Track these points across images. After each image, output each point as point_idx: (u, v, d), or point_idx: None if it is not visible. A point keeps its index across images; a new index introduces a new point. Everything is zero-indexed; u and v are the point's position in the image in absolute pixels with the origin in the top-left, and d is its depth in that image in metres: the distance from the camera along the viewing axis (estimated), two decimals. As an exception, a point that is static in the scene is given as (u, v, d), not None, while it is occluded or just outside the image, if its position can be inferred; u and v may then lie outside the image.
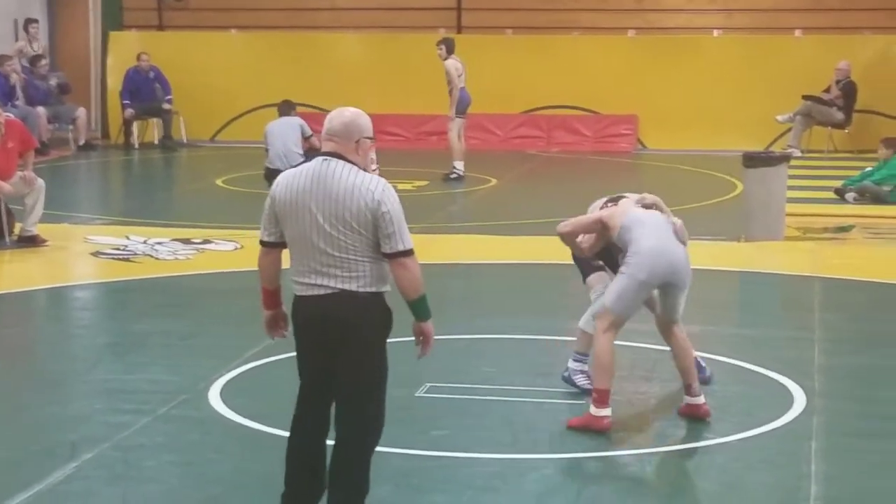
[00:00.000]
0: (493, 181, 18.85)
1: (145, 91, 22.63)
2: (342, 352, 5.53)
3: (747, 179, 14.18)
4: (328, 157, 5.54)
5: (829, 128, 22.05)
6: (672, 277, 7.54)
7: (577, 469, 6.79)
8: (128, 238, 13.60)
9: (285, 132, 16.72)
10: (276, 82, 23.01)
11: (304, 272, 5.53)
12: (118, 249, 13.07)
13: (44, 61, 22.03)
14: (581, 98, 23.27)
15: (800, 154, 20.96)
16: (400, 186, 18.03)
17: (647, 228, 7.59)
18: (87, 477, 6.64)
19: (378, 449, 6.65)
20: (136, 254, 12.88)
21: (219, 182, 18.05)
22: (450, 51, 18.96)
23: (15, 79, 20.73)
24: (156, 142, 23.05)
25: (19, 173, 13.25)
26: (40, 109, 21.00)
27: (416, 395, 8.00)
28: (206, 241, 13.48)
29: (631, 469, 6.86)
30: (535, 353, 9.26)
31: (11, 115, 14.62)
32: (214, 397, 7.93)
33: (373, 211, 5.43)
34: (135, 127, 22.93)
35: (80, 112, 22.30)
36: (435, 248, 13.35)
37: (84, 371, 8.71)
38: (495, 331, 9.70)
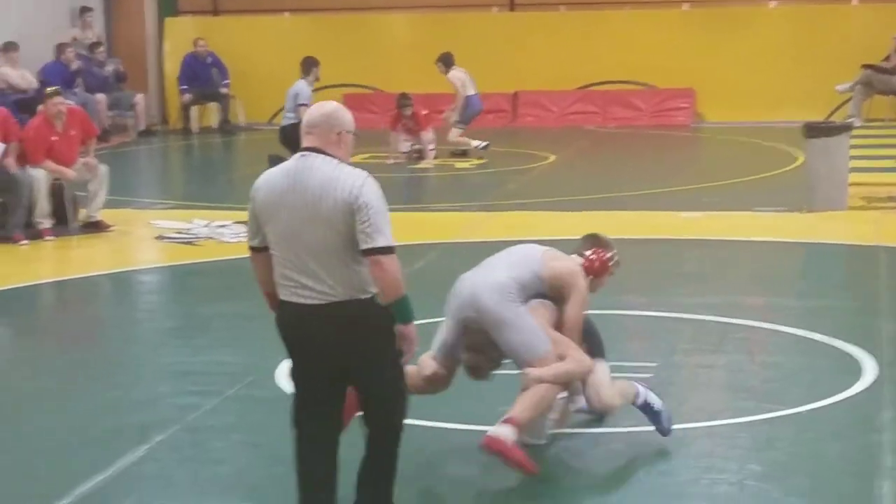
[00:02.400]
0: (551, 158, 18.79)
1: (203, 76, 22.75)
2: (350, 363, 5.27)
3: (809, 150, 14.05)
4: (306, 153, 5.25)
5: (890, 96, 21.79)
6: (467, 311, 6.36)
7: (646, 442, 6.76)
8: (191, 222, 13.68)
9: (287, 95, 16.94)
10: (330, 64, 22.97)
11: (286, 276, 5.23)
12: (181, 233, 13.16)
13: (101, 48, 22.20)
14: (637, 72, 23.12)
15: (861, 123, 20.74)
16: (457, 165, 18.06)
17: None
18: (158, 459, 6.71)
19: (447, 425, 6.69)
20: (199, 237, 12.96)
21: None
22: (448, 64, 18.94)
23: (74, 66, 20.88)
24: (214, 126, 23.17)
25: (82, 160, 13.37)
26: (100, 96, 21.16)
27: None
28: (267, 224, 13.51)
29: (701, 442, 6.83)
30: (599, 328, 9.20)
31: (72, 103, 14.74)
32: (281, 377, 7.97)
33: (349, 203, 5.09)
34: (193, 112, 23.07)
35: (139, 98, 22.45)
36: (494, 226, 13.35)
37: (150, 354, 8.80)
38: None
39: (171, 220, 13.89)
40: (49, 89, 13.79)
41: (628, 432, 6.89)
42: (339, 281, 5.12)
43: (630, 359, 8.22)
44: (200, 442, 6.89)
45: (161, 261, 12.32)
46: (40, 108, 13.49)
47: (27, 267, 12.07)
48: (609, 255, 6.82)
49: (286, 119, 16.60)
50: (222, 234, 13.04)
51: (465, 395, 6.86)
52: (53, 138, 13.17)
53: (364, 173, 5.18)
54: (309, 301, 5.16)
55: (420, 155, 18.40)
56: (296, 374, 5.43)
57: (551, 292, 6.44)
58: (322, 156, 5.20)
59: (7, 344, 9.71)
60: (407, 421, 5.52)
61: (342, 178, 5.13)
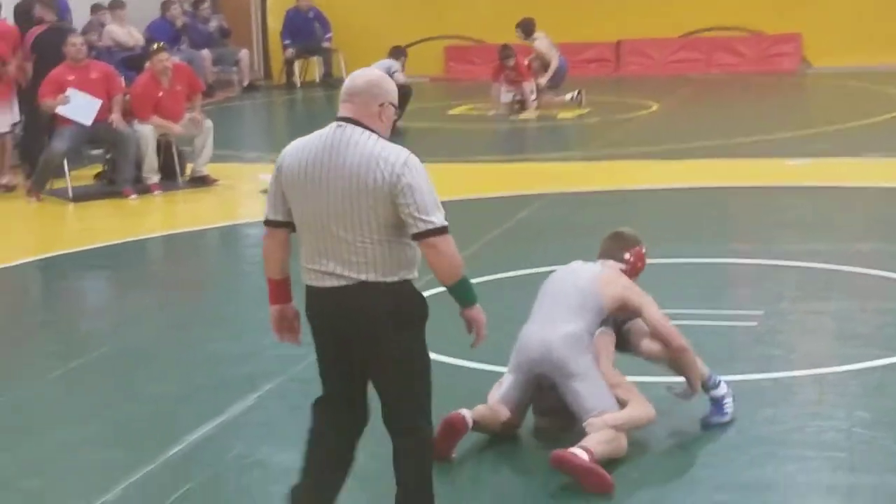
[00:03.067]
0: (654, 106, 18.62)
1: (305, 31, 22.85)
2: (370, 355, 4.79)
3: (919, 93, 13.77)
4: (343, 123, 4.74)
5: None
6: (541, 367, 6.09)
7: (752, 390, 6.71)
8: (294, 175, 13.76)
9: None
10: (431, 16, 23.10)
11: (314, 258, 4.74)
12: (286, 187, 13.24)
13: (205, 4, 22.38)
14: (741, 18, 22.77)
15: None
16: (560, 115, 17.96)
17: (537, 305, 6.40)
18: (267, 407, 6.80)
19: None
20: (303, 190, 13.03)
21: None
22: (528, 32, 18.61)
23: (180, 23, 21.08)
24: (317, 80, 23.29)
25: (188, 115, 13.53)
26: (205, 52, 21.35)
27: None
28: (370, 176, 13.58)
29: (809, 389, 6.76)
30: (703, 276, 9.17)
31: (178, 59, 14.90)
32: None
33: (391, 185, 4.61)
34: (296, 66, 23.20)
35: (243, 54, 22.63)
36: (597, 175, 13.28)
37: (255, 307, 8.86)
38: (663, 255, 9.57)
39: (276, 174, 13.98)
40: (155, 45, 13.94)
41: (732, 380, 6.83)
42: (373, 263, 4.67)
43: (736, 307, 8.16)
44: (307, 392, 6.91)
45: (266, 214, 12.41)
46: (147, 64, 13.65)
47: (136, 221, 12.27)
48: (644, 249, 6.62)
49: None
50: (326, 186, 13.11)
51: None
52: (160, 94, 13.33)
53: (406, 151, 4.69)
54: (334, 284, 4.71)
55: (522, 105, 18.33)
56: (321, 370, 5.00)
57: (618, 312, 6.31)
58: (360, 128, 4.71)
59: (117, 297, 9.89)
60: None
61: (383, 155, 4.64)
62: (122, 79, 14.26)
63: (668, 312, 7.95)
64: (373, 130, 4.71)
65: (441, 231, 4.66)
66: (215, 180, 13.44)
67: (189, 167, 13.67)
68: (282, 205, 4.81)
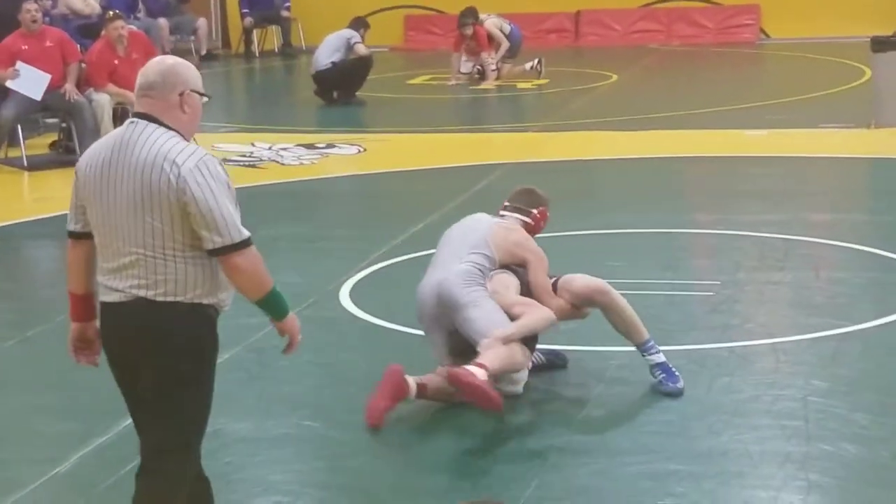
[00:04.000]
0: (614, 77, 18.62)
1: (264, -1, 22.72)
2: (141, 383, 4.22)
3: (876, 64, 13.83)
4: (136, 120, 4.18)
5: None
6: (437, 309, 6.17)
7: (709, 360, 6.74)
8: (253, 145, 13.72)
9: (328, 41, 16.78)
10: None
11: (105, 270, 4.22)
12: (244, 156, 13.21)
13: (163, -28, 22.19)
14: (701, -11, 22.84)
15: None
16: (519, 86, 17.94)
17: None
18: (222, 379, 6.73)
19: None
20: (261, 160, 13.00)
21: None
22: (476, 17, 18.37)
23: (136, -9, 20.89)
24: (276, 49, 23.16)
25: (144, 84, 13.42)
26: (162, 21, 21.17)
27: (544, 290, 7.98)
28: (329, 146, 13.55)
29: (765, 359, 6.79)
30: (661, 246, 9.19)
31: (134, 28, 14.77)
32: (345, 297, 8.01)
33: (178, 191, 4.04)
34: (255, 35, 23.06)
35: (201, 22, 22.45)
36: (556, 146, 13.28)
37: (216, 276, 8.86)
38: (621, 226, 9.63)
39: (234, 144, 13.94)
40: (110, 13, 13.82)
41: (689, 350, 6.86)
42: (156, 280, 4.11)
43: (694, 277, 8.18)
44: (265, 362, 6.93)
45: (224, 184, 12.35)
46: (102, 32, 13.52)
47: (92, 191, 12.16)
48: (548, 210, 6.66)
49: (322, 65, 16.51)
50: (284, 156, 13.08)
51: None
52: (115, 62, 13.21)
53: (199, 153, 4.11)
54: (117, 298, 4.18)
55: (482, 75, 18.29)
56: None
57: (511, 263, 6.35)
58: (154, 126, 4.15)
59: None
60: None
61: (171, 156, 4.06)
62: (78, 47, 14.13)
63: (627, 282, 8.02)
64: (170, 127, 4.16)
65: (241, 246, 4.11)
66: (173, 150, 13.34)
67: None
68: (82, 214, 4.29)
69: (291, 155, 13.11)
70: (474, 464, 5.65)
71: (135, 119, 4.19)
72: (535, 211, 6.58)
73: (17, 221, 10.74)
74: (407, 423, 6.04)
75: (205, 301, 4.18)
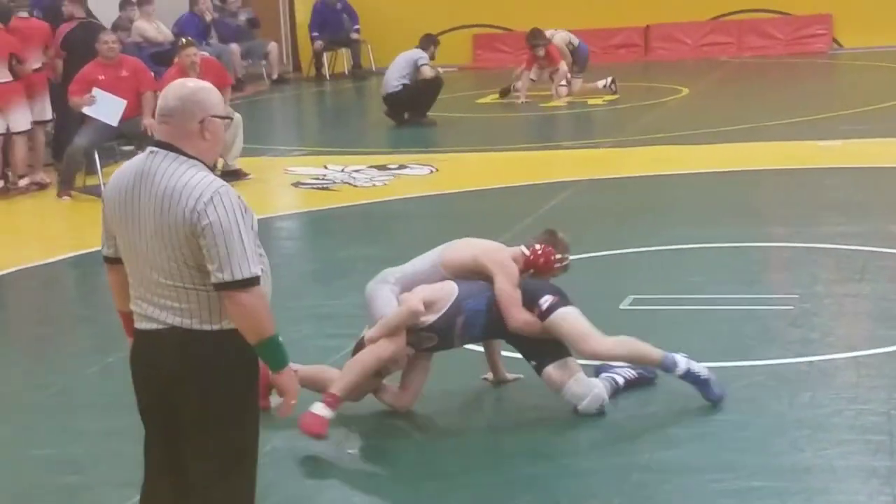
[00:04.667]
0: (685, 91, 18.54)
1: (333, 22, 22.84)
2: (182, 414, 4.15)
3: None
4: (155, 149, 4.12)
5: None
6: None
7: (789, 374, 6.68)
8: (326, 167, 13.80)
9: (398, 62, 16.78)
10: (458, 4, 23.08)
11: (136, 297, 4.20)
12: (317, 179, 13.29)
13: (234, -2, 22.42)
14: (771, 0, 22.65)
15: None
16: (590, 102, 17.90)
17: None
18: (305, 400, 6.79)
19: (586, 361, 6.66)
20: (334, 182, 13.07)
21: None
22: (543, 37, 18.21)
23: (209, 17, 21.12)
24: (346, 72, 23.30)
25: (217, 110, 13.54)
26: (233, 46, 21.38)
27: (621, 307, 7.96)
28: (401, 167, 13.60)
29: (846, 373, 6.72)
30: (737, 260, 9.13)
31: (206, 54, 14.92)
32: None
33: (191, 225, 3.99)
34: (325, 58, 23.22)
35: (272, 47, 22.65)
36: (628, 161, 13.24)
37: (291, 298, 8.88)
38: (698, 240, 9.58)
39: (307, 167, 14.03)
40: (182, 40, 13.97)
41: (769, 365, 6.81)
42: (188, 309, 4.08)
43: (772, 291, 8.12)
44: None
45: (298, 207, 12.45)
46: (175, 59, 13.67)
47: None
48: (558, 256, 6.48)
49: (393, 87, 16.54)
50: (357, 178, 13.14)
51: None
52: (188, 89, 13.31)
53: (217, 184, 4.04)
54: (151, 326, 4.15)
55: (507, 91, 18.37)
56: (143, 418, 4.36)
57: (469, 276, 6.38)
58: (173, 155, 4.08)
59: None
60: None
61: (188, 188, 4.01)
62: (153, 75, 14.29)
63: (704, 297, 7.99)
64: (190, 155, 4.08)
65: (245, 284, 4.01)
66: (247, 174, 13.47)
67: (220, 161, 13.70)
68: (113, 240, 4.29)
69: (364, 176, 13.17)
70: (554, 483, 5.63)
71: (154, 149, 4.13)
72: (536, 245, 6.46)
73: (95, 249, 10.85)
74: (481, 443, 6.04)
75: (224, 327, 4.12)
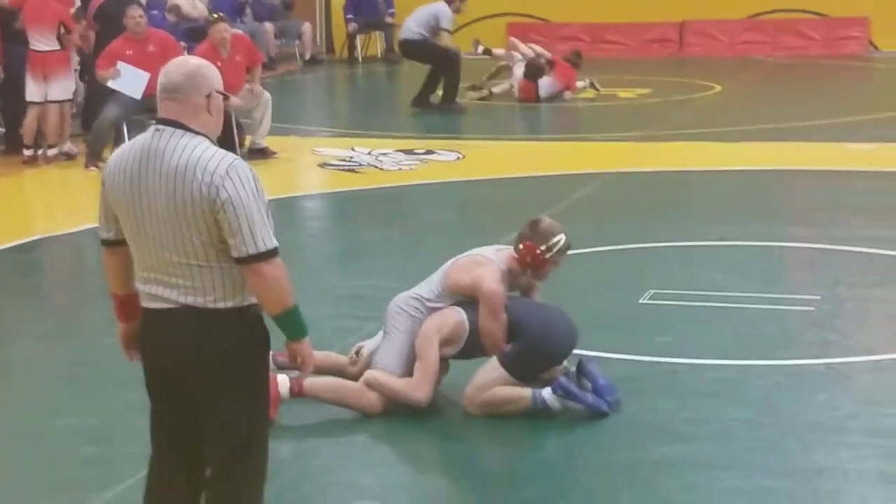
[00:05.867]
0: (717, 87, 18.45)
1: (368, 5, 22.82)
2: (197, 393, 4.17)
3: None
4: (161, 126, 4.08)
5: None
6: None
7: (807, 376, 6.64)
8: (353, 149, 13.80)
9: (420, 11, 16.63)
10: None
11: (145, 278, 4.17)
12: (344, 160, 13.28)
13: (269, -22, 22.42)
14: (808, 1, 22.53)
15: None
16: (621, 95, 17.84)
17: None
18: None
19: (602, 354, 6.65)
20: (361, 164, 13.06)
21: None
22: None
23: (243, -5, 21.13)
24: (379, 55, 23.29)
25: (247, 87, 13.55)
26: (268, 25, 21.39)
27: (640, 301, 7.93)
28: (428, 152, 13.59)
29: (864, 376, 6.68)
30: (761, 259, 9.08)
31: (239, 31, 14.92)
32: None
33: (210, 200, 3.98)
34: (358, 41, 23.21)
35: (306, 27, 22.65)
36: (657, 156, 13.19)
37: (312, 278, 8.89)
38: (721, 237, 9.53)
39: (335, 148, 14.03)
40: (214, 16, 13.98)
41: (787, 365, 6.77)
42: (202, 287, 4.08)
43: (793, 291, 8.08)
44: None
45: (324, 187, 12.46)
46: (207, 35, 13.68)
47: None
48: (542, 248, 6.26)
49: (411, 33, 16.46)
50: (383, 161, 13.13)
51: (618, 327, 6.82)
52: (218, 64, 13.22)
53: (230, 158, 4.04)
54: (163, 306, 4.14)
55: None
56: (151, 407, 4.35)
57: (465, 298, 6.27)
58: (180, 131, 4.07)
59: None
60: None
61: (202, 163, 4.00)
62: (184, 49, 14.30)
63: (725, 295, 7.95)
64: (196, 131, 4.08)
65: (267, 256, 4.02)
66: (274, 153, 13.47)
67: (248, 139, 13.71)
68: (113, 222, 4.22)
69: (391, 160, 13.16)
70: (565, 476, 5.62)
71: (160, 126, 4.09)
72: (520, 246, 6.30)
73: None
74: (488, 434, 6.02)
75: (248, 303, 4.13)
